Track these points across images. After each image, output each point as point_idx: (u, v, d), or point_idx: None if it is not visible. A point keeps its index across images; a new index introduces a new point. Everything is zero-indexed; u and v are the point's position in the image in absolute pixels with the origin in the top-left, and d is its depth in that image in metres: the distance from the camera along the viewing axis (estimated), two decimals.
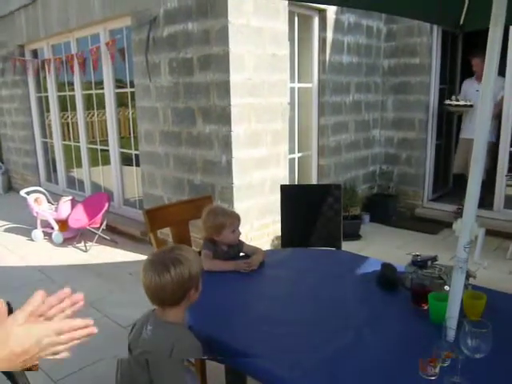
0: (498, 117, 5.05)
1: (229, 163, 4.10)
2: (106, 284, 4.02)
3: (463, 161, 5.36)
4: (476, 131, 1.58)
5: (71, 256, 4.89)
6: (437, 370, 1.35)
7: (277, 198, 3.49)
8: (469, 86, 5.44)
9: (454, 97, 5.44)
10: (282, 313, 1.91)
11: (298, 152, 5.10)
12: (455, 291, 1.59)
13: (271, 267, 2.38)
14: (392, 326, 1.75)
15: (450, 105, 5.35)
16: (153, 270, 1.54)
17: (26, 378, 1.35)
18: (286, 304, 2.01)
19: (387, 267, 2.13)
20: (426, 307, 1.77)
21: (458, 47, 6.04)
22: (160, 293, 1.54)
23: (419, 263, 2.04)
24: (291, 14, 4.55)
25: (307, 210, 3.45)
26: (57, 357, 0.83)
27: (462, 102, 5.26)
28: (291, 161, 4.89)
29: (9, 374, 1.31)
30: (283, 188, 3.51)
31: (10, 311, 1.54)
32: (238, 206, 4.12)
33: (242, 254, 2.49)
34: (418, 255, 2.08)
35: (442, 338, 1.46)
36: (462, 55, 6.04)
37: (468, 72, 5.54)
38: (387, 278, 2.06)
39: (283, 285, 2.23)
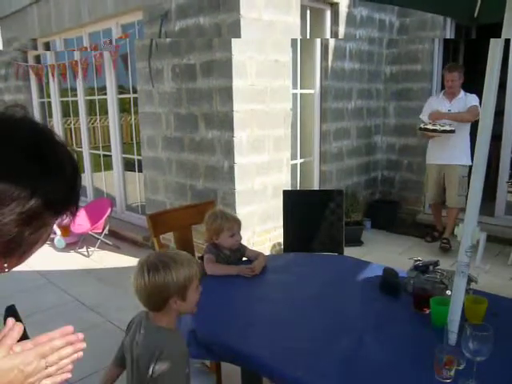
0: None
1: (231, 169, 4.11)
2: (109, 289, 4.02)
3: (438, 189, 4.88)
4: (478, 135, 1.59)
5: (73, 261, 4.89)
6: (452, 373, 1.35)
7: (279, 203, 3.51)
8: (437, 104, 4.75)
9: (426, 119, 4.76)
10: (284, 317, 1.91)
11: (300, 158, 5.12)
12: (457, 295, 1.60)
13: (274, 272, 2.39)
14: (394, 330, 1.75)
15: (426, 129, 4.64)
16: (135, 272, 1.54)
17: None
18: (289, 308, 2.01)
19: (389, 272, 2.13)
20: (427, 311, 1.77)
21: (459, 54, 6.07)
22: (138, 296, 1.54)
23: (421, 268, 2.05)
24: (303, 8, 4.57)
25: (309, 215, 3.46)
26: (58, 379, 0.82)
27: (441, 127, 4.52)
28: (293, 166, 4.90)
29: None
30: (285, 193, 3.53)
31: (16, 315, 1.55)
32: (241, 212, 4.13)
33: (244, 258, 2.50)
34: (419, 260, 2.09)
35: (444, 341, 1.46)
36: (464, 62, 6.07)
37: (469, 79, 5.54)
38: (389, 282, 2.06)
39: (286, 289, 2.24)
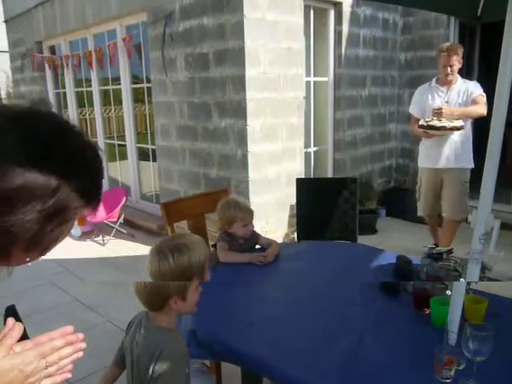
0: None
1: (244, 157, 4.12)
2: (124, 277, 4.07)
3: (434, 198, 4.01)
4: (492, 120, 1.57)
5: (89, 250, 4.97)
6: (452, 373, 1.34)
7: (292, 191, 3.51)
8: (431, 95, 3.87)
9: (416, 112, 3.97)
10: (288, 313, 1.89)
11: (314, 146, 5.10)
12: (456, 293, 1.59)
13: (286, 260, 2.40)
14: (394, 329, 1.73)
15: (431, 127, 3.70)
16: (150, 259, 1.54)
17: None
18: (296, 304, 1.98)
19: (402, 260, 2.12)
20: (427, 311, 1.75)
21: (475, 39, 5.95)
22: (139, 296, 1.51)
23: (435, 255, 2.03)
24: (307, 8, 4.54)
25: (323, 203, 3.45)
26: (58, 379, 0.82)
27: (450, 123, 3.64)
28: (307, 155, 4.89)
29: None
30: (299, 182, 3.53)
31: (17, 316, 1.56)
32: (254, 200, 4.15)
33: (257, 246, 2.51)
34: (433, 248, 2.08)
35: (444, 341, 1.45)
36: (480, 47, 5.95)
37: (487, 65, 5.45)
38: (402, 270, 2.05)
39: (298, 278, 2.24)
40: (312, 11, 4.70)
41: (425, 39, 5.49)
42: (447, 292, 1.79)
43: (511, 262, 3.88)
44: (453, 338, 1.48)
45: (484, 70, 5.62)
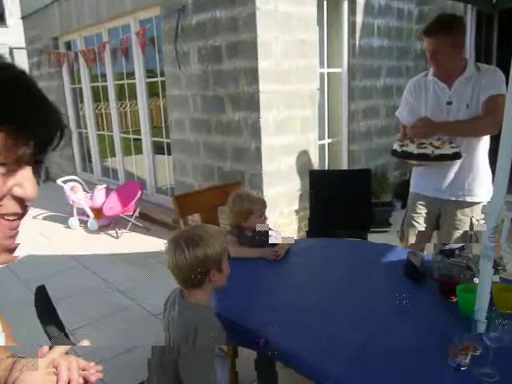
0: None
1: (258, 150, 4.11)
2: (138, 271, 4.13)
3: (425, 235, 2.69)
4: (505, 111, 1.54)
5: (104, 243, 5.04)
6: (467, 360, 1.32)
7: (306, 184, 3.50)
8: (426, 91, 2.53)
9: (404, 117, 2.66)
10: (308, 301, 1.90)
11: (328, 138, 5.07)
12: (483, 281, 1.55)
13: (297, 256, 2.38)
14: (420, 317, 1.72)
15: (405, 155, 2.41)
16: (170, 250, 1.54)
17: None
18: (312, 292, 2.00)
19: (414, 256, 2.08)
20: (454, 299, 1.72)
21: (493, 27, 5.83)
22: (178, 274, 1.54)
23: (447, 252, 1.99)
24: None
25: (336, 196, 3.44)
26: None
27: (435, 150, 2.29)
28: (321, 147, 4.86)
29: None
30: (312, 174, 3.52)
31: (47, 296, 1.61)
32: (268, 193, 4.15)
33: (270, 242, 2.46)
34: (445, 244, 2.05)
35: (472, 330, 1.43)
36: (498, 36, 5.83)
37: (505, 54, 5.33)
38: (414, 267, 2.01)
39: (309, 273, 2.24)
40: (325, 1, 4.65)
41: None
42: (474, 280, 1.75)
43: None
44: (481, 326, 1.44)
45: (502, 58, 5.50)
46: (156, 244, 4.69)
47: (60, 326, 1.55)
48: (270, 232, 2.52)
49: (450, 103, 2.42)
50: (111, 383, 2.20)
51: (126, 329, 3.12)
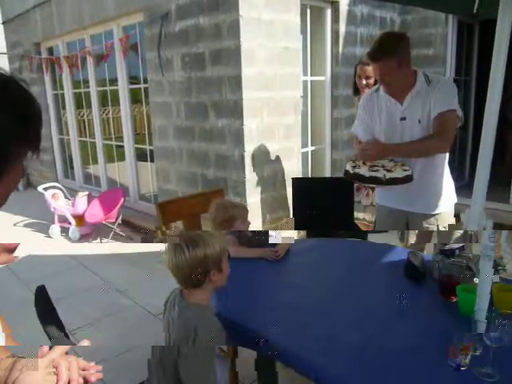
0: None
1: (241, 157, 4.10)
2: (138, 271, 4.09)
3: None
4: (484, 120, 1.56)
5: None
6: (467, 360, 1.32)
7: (289, 192, 3.50)
8: (379, 107, 2.47)
9: (361, 134, 2.62)
10: (308, 301, 1.91)
11: (311, 146, 5.08)
12: (483, 281, 1.56)
13: (297, 256, 2.38)
14: (420, 317, 1.73)
15: (356, 177, 2.29)
16: (170, 250, 1.53)
17: None
18: (312, 292, 2.00)
19: (414, 256, 2.09)
20: (454, 299, 1.73)
21: (474, 37, 5.94)
22: (178, 273, 1.53)
23: (447, 252, 1.99)
24: (303, 7, 4.52)
25: (319, 203, 3.44)
26: None
27: (387, 173, 2.21)
28: (304, 155, 4.87)
29: None
30: (295, 181, 3.52)
31: (47, 296, 1.60)
32: (251, 200, 4.13)
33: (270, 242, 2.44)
34: (445, 244, 2.05)
35: (472, 330, 1.44)
36: (479, 45, 5.94)
37: (486, 62, 5.42)
38: (414, 267, 2.01)
39: (309, 273, 2.25)
40: (309, 10, 4.69)
41: (423, 37, 5.47)
42: (474, 280, 1.76)
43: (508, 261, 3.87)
44: (481, 327, 1.45)
45: (483, 68, 5.59)
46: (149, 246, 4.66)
47: (60, 326, 1.56)
48: (270, 232, 2.53)
49: (403, 119, 2.37)
50: (111, 383, 2.20)
51: (126, 329, 3.12)
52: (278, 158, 4.36)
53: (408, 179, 2.24)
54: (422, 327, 1.64)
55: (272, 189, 4.35)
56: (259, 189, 4.24)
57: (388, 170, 2.22)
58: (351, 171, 2.31)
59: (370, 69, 3.41)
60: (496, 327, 1.32)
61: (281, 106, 4.30)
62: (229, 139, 4.18)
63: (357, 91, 3.79)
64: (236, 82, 3.98)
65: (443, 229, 2.50)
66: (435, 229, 2.51)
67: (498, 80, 1.56)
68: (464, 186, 6.00)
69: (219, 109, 4.20)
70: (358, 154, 2.48)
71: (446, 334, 1.42)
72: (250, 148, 4.09)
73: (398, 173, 2.22)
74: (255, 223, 3.99)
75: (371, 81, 3.52)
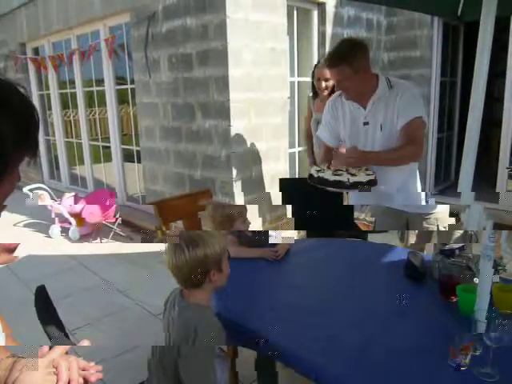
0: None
1: (228, 158, 4.10)
2: (138, 271, 4.06)
3: None
4: (468, 120, 1.57)
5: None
6: (467, 360, 1.32)
7: (277, 192, 3.50)
8: (343, 111, 2.48)
9: (324, 136, 2.64)
10: (308, 301, 1.90)
11: (299, 146, 5.10)
12: (483, 281, 1.56)
13: (297, 256, 2.38)
14: (420, 317, 1.73)
15: (321, 181, 2.26)
16: (170, 250, 1.53)
17: None
18: (312, 292, 2.00)
19: (414, 256, 2.08)
20: (455, 299, 1.73)
21: (459, 39, 6.00)
22: (178, 274, 1.53)
23: (447, 252, 1.99)
24: (290, 8, 4.53)
25: (307, 203, 3.45)
26: None
27: (350, 177, 2.20)
28: (291, 155, 4.88)
29: None
30: (282, 182, 3.52)
31: (47, 296, 1.60)
32: (239, 201, 4.13)
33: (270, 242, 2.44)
34: (445, 244, 2.05)
35: (472, 330, 1.44)
36: (464, 47, 6.01)
37: (471, 64, 5.46)
38: (414, 267, 2.00)
39: (309, 273, 2.24)
40: (295, 11, 4.70)
41: (409, 39, 5.52)
42: (474, 280, 1.76)
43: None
44: (481, 327, 1.45)
45: (468, 70, 5.65)
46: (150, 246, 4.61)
47: (60, 326, 1.55)
48: (270, 232, 2.52)
49: (366, 123, 2.39)
50: (111, 383, 2.18)
51: (126, 329, 3.10)
52: (265, 158, 4.36)
53: (371, 184, 2.24)
54: (422, 327, 1.64)
55: (259, 189, 4.36)
56: (247, 189, 4.24)
57: (352, 174, 2.23)
58: (315, 175, 2.30)
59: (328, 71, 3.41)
60: (496, 327, 1.32)
61: (268, 106, 4.31)
62: (216, 140, 4.17)
63: (315, 94, 3.72)
64: (223, 83, 3.97)
65: (443, 229, 2.53)
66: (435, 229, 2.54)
67: (481, 79, 1.58)
68: (450, 187, 6.08)
69: (206, 109, 4.20)
70: (323, 155, 2.56)
71: (446, 334, 1.43)
72: (237, 149, 4.09)
73: (362, 177, 2.22)
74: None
75: (330, 83, 3.46)
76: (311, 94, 3.82)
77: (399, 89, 2.29)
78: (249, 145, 4.20)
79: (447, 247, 2.04)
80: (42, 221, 5.72)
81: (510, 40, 4.77)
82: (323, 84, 3.53)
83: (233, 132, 4.03)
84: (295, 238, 4.28)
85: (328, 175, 2.25)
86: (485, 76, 1.60)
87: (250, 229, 2.49)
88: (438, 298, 1.79)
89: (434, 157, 5.81)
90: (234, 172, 4.11)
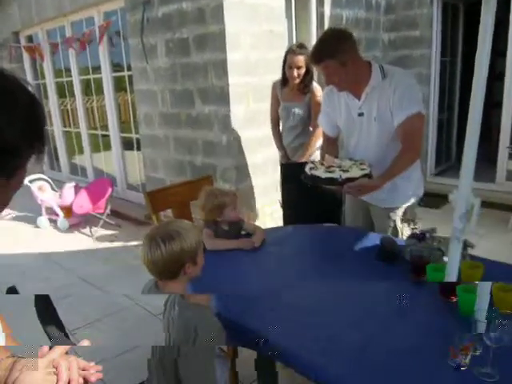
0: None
1: (229, 144, 4.07)
2: (116, 270, 4.06)
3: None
4: (471, 100, 1.55)
5: (78, 242, 4.93)
6: (467, 360, 1.32)
7: (278, 177, 3.49)
8: (339, 101, 2.43)
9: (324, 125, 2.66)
10: (308, 301, 1.87)
11: None
12: (452, 261, 1.60)
13: (274, 245, 2.38)
14: (420, 317, 1.70)
15: (315, 179, 2.23)
16: (146, 245, 1.56)
17: None
18: (312, 292, 1.95)
19: (387, 240, 2.12)
20: (455, 299, 1.71)
21: (459, 18, 5.93)
22: (154, 268, 1.57)
23: (418, 236, 2.05)
24: None
25: (308, 188, 3.43)
26: None
27: (343, 173, 2.14)
28: None
29: None
30: (283, 166, 3.51)
31: (47, 296, 1.60)
32: (240, 186, 4.12)
33: (243, 232, 2.49)
34: (416, 228, 2.08)
35: (472, 330, 1.43)
36: (464, 26, 5.94)
37: (472, 45, 5.41)
38: (387, 250, 2.05)
39: (287, 262, 2.25)
40: None
41: (408, 19, 5.45)
42: (444, 258, 1.81)
43: (492, 239, 3.93)
44: (481, 327, 1.44)
45: (468, 48, 5.60)
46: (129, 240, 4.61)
47: (60, 326, 1.55)
48: (245, 223, 2.53)
49: (361, 114, 2.32)
50: (111, 383, 2.19)
51: (126, 329, 3.10)
52: (265, 143, 4.33)
53: (368, 176, 2.17)
54: (422, 327, 1.63)
55: (261, 174, 4.33)
56: (248, 175, 4.22)
57: (344, 171, 2.17)
58: (308, 172, 2.28)
59: (301, 58, 3.31)
60: (496, 327, 1.32)
61: (267, 90, 4.25)
62: (216, 125, 4.14)
63: (285, 82, 3.52)
64: (221, 68, 3.93)
65: (400, 225, 2.43)
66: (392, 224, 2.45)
67: (484, 58, 1.55)
68: (451, 167, 6.07)
69: (205, 95, 4.15)
70: (324, 143, 2.65)
71: (446, 334, 1.42)
72: (237, 134, 4.06)
73: (355, 172, 2.16)
74: (245, 210, 3.98)
75: (302, 71, 3.35)
76: (275, 80, 3.67)
77: (393, 79, 2.19)
78: (249, 130, 4.16)
79: (419, 231, 2.09)
80: (28, 213, 5.73)
81: (510, 20, 4.70)
82: (295, 72, 3.37)
83: (232, 117, 3.99)
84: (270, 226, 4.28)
85: (320, 172, 2.21)
86: (488, 53, 1.56)
87: (243, 215, 2.50)
88: (438, 297, 1.78)
89: (435, 138, 5.79)
90: (235, 158, 4.08)
